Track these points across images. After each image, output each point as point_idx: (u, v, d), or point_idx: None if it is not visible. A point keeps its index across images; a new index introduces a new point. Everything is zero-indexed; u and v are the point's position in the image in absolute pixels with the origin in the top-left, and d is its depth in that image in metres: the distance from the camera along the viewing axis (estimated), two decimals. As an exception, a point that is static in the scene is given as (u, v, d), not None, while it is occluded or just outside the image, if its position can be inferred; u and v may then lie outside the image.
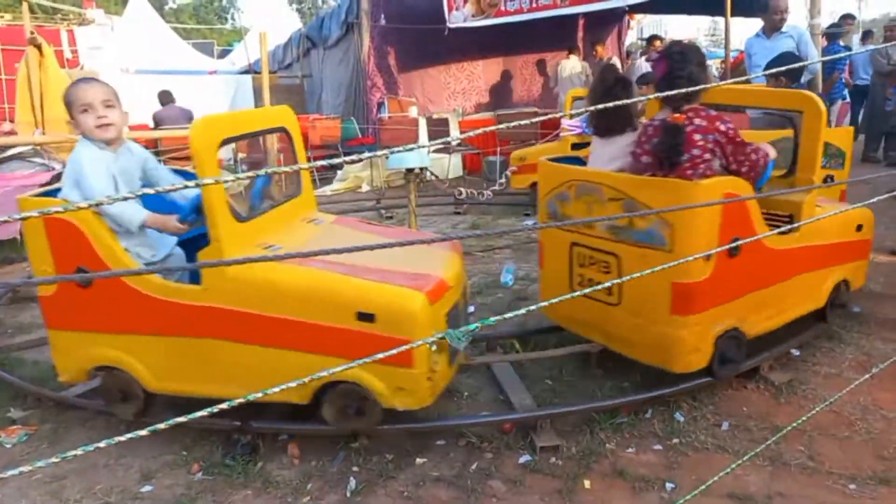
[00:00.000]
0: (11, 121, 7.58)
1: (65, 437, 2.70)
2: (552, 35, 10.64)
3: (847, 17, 9.50)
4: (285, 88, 12.38)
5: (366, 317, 2.24)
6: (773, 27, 5.58)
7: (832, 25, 8.62)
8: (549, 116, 5.20)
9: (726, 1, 6.65)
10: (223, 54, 20.14)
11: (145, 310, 2.45)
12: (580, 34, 11.40)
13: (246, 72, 13.70)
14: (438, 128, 9.24)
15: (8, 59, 15.56)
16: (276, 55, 13.57)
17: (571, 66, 9.16)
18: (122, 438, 1.33)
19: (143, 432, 1.38)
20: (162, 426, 1.35)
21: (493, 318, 1.23)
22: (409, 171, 5.36)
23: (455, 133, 9.18)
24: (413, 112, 10.22)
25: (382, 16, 10.20)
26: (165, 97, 8.93)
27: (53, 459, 0.91)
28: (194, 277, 2.50)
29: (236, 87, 12.15)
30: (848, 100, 8.84)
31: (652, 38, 9.35)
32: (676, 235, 2.42)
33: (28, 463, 2.28)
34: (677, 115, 2.54)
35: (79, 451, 1.09)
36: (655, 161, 2.64)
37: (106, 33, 17.31)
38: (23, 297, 4.63)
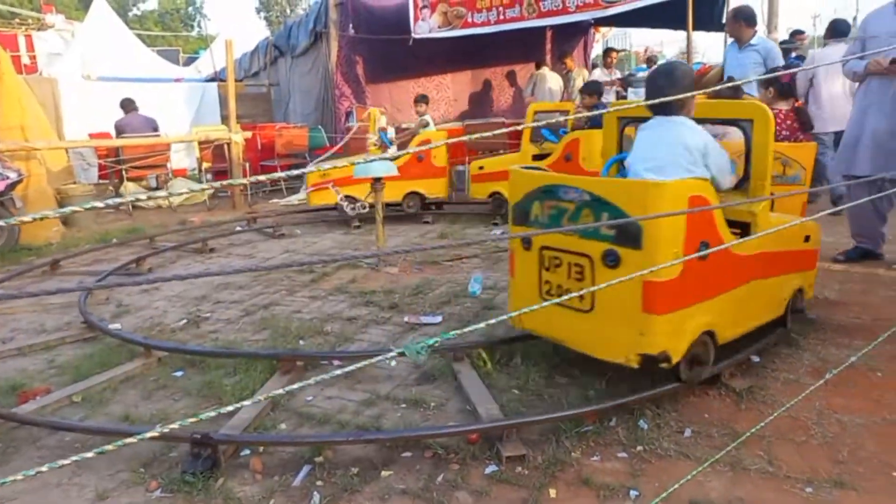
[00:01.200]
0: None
1: (14, 456, 2.60)
2: (520, 47, 10.78)
3: (798, 33, 9.83)
4: (252, 97, 12.28)
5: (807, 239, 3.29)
6: (743, 40, 5.71)
7: (783, 42, 8.90)
8: (512, 129, 5.25)
9: (688, 16, 6.86)
10: (189, 62, 19.85)
11: (731, 269, 2.79)
12: (548, 46, 11.56)
13: (212, 79, 13.54)
14: (406, 137, 9.24)
15: (-38, 65, 15.12)
16: (243, 63, 13.45)
17: (551, 77, 9.22)
18: (89, 455, 1.29)
19: (90, 454, 1.34)
20: (110, 447, 1.31)
21: (452, 332, 1.22)
22: (377, 180, 5.36)
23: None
24: (382, 121, 10.21)
25: (350, 25, 10.20)
26: (128, 105, 8.75)
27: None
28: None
29: (202, 95, 11.97)
30: None
31: (608, 51, 9.53)
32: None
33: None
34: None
35: (19, 476, 1.05)
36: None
37: (66, 39, 16.93)
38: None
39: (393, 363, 3.18)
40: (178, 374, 3.33)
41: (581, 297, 2.54)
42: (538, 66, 9.43)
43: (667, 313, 2.54)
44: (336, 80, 10.29)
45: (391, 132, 9.36)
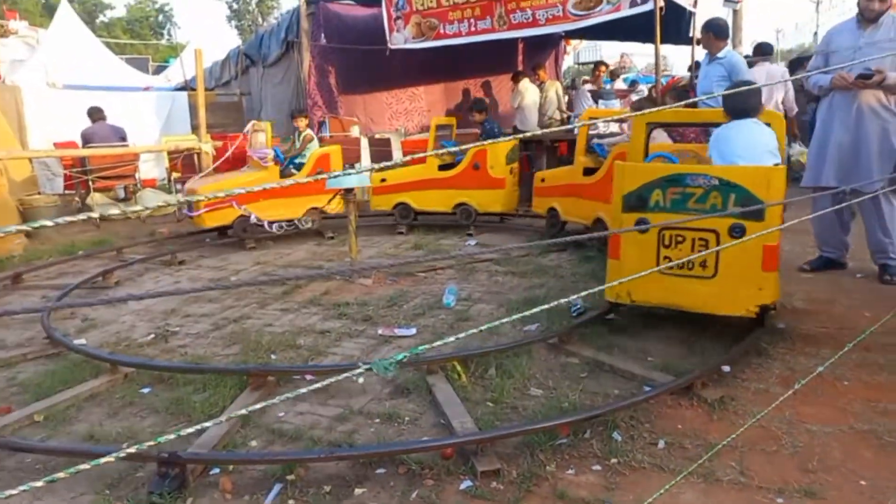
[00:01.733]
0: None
1: (-28, 479, 2.50)
2: (494, 58, 10.87)
3: (764, 47, 10.06)
4: (223, 106, 12.14)
5: None
6: (712, 52, 5.80)
7: (747, 56, 9.12)
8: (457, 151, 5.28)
9: (656, 30, 6.98)
10: (158, 70, 19.57)
11: None
12: (520, 58, 11.68)
13: (182, 88, 13.36)
14: (381, 147, 9.24)
15: (-79, 72, 14.63)
16: (214, 72, 13.30)
17: (532, 90, 9.23)
18: (38, 484, 1.24)
19: (61, 474, 1.29)
20: (73, 471, 1.26)
21: (422, 346, 1.21)
22: (349, 191, 5.33)
23: (398, 154, 9.19)
24: (355, 132, 10.18)
25: (322, 35, 10.17)
26: (95, 113, 8.57)
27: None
28: None
29: (171, 104, 11.80)
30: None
31: (598, 64, 9.62)
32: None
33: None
34: None
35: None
36: None
37: (31, 45, 16.54)
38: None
39: (361, 379, 3.13)
40: (146, 390, 3.25)
41: (704, 265, 3.30)
42: (516, 79, 9.46)
43: (776, 270, 3.29)
44: (308, 89, 10.23)
45: (364, 143, 9.32)
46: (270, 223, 6.69)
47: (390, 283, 5.08)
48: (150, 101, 12.03)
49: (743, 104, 3.60)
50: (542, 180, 6.57)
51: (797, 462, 2.42)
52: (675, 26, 8.22)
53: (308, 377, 3.31)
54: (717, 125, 3.78)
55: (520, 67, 11.47)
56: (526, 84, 9.28)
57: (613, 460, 2.47)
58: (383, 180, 7.22)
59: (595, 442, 2.60)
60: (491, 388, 3.09)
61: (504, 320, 1.94)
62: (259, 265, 6.03)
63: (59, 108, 10.54)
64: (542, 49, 11.81)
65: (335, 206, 6.79)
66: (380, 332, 4.00)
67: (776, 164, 3.43)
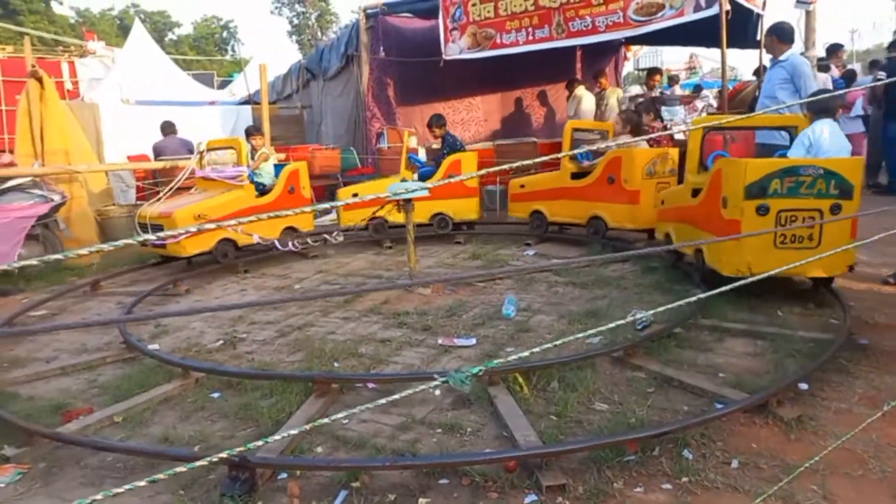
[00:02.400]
0: (11, 152, 7.61)
1: (59, 476, 2.65)
2: (550, 67, 10.79)
3: (835, 49, 9.65)
4: (285, 119, 12.49)
5: None
6: (775, 55, 5.65)
7: (820, 59, 8.75)
8: (551, 157, 5.24)
9: (722, 33, 6.80)
10: (223, 85, 20.35)
11: None
12: (578, 65, 11.57)
13: (245, 102, 13.84)
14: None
15: (9, 91, 15.72)
16: (276, 86, 13.73)
17: (588, 98, 9.18)
18: (121, 490, 1.31)
19: (142, 483, 1.35)
20: (170, 472, 1.32)
21: (496, 361, 1.21)
22: (407, 202, 5.39)
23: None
24: (413, 142, 10.29)
25: (381, 48, 10.36)
26: (167, 128, 9.00)
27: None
28: None
29: (237, 118, 12.24)
30: (863, 130, 8.75)
31: (653, 72, 9.44)
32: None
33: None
34: None
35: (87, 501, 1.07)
36: None
37: (107, 65, 17.54)
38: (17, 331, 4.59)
39: (438, 392, 3.13)
40: (216, 395, 3.37)
41: (811, 237, 4.15)
42: (571, 87, 9.38)
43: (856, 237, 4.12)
44: (367, 101, 10.43)
45: (422, 153, 9.43)
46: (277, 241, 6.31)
47: (449, 293, 5.11)
48: (215, 114, 12.52)
49: (825, 105, 4.45)
50: (522, 186, 7.11)
51: (886, 487, 2.29)
52: (741, 29, 7.99)
53: (370, 385, 3.36)
54: (772, 129, 4.80)
55: (578, 75, 11.36)
56: (581, 91, 9.20)
57: (684, 479, 2.40)
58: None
59: (664, 460, 2.53)
60: (554, 402, 3.05)
61: (579, 335, 1.93)
62: (321, 273, 6.17)
63: (131, 123, 11.11)
64: (601, 56, 11.67)
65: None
66: (440, 341, 4.02)
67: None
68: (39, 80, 6.79)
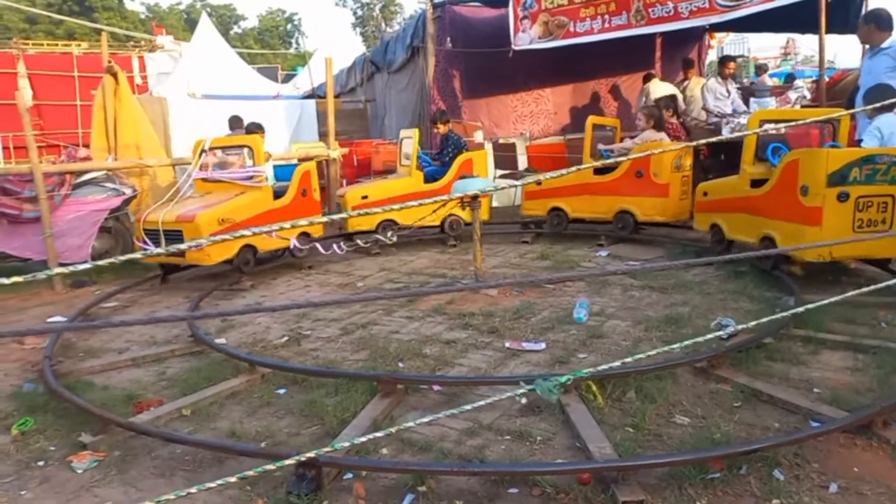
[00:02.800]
0: (87, 146, 8.10)
1: (132, 465, 2.81)
2: (627, 56, 10.58)
3: None
4: (349, 113, 12.77)
5: None
6: (873, 44, 5.37)
7: None
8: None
9: (821, 18, 6.48)
10: (287, 79, 20.97)
11: None
12: (657, 54, 11.28)
13: (310, 96, 14.22)
14: (505, 153, 9.29)
15: (84, 86, 16.76)
16: (340, 79, 14.05)
17: (661, 89, 8.97)
18: (193, 491, 1.37)
19: (212, 484, 1.41)
20: (259, 470, 1.38)
21: (585, 370, 1.20)
22: (473, 198, 5.40)
23: (522, 159, 9.20)
24: (478, 137, 10.32)
25: (448, 39, 10.42)
26: (234, 122, 9.35)
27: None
28: None
29: (301, 112, 12.57)
30: None
31: (725, 60, 9.11)
32: None
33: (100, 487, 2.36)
34: None
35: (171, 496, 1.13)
36: None
37: (175, 59, 18.40)
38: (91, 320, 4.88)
39: (524, 400, 3.11)
40: (281, 391, 3.49)
41: (885, 221, 4.56)
42: (647, 80, 9.19)
43: None
44: (432, 94, 10.52)
45: (489, 147, 9.41)
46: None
47: (516, 294, 5.09)
48: (279, 108, 12.90)
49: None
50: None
51: None
52: (841, 13, 7.59)
53: (436, 388, 3.40)
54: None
55: (657, 65, 11.08)
56: (653, 84, 9.00)
57: (775, 501, 2.31)
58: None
59: (753, 480, 2.44)
60: (630, 413, 3.00)
61: (671, 347, 1.89)
62: (384, 271, 6.27)
63: (198, 117, 11.60)
64: (682, 44, 11.33)
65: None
66: (507, 345, 4.02)
67: None
68: (114, 75, 7.19)
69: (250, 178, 6.31)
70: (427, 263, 6.56)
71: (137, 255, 1.83)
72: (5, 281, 1.52)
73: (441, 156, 7.59)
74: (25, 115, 5.99)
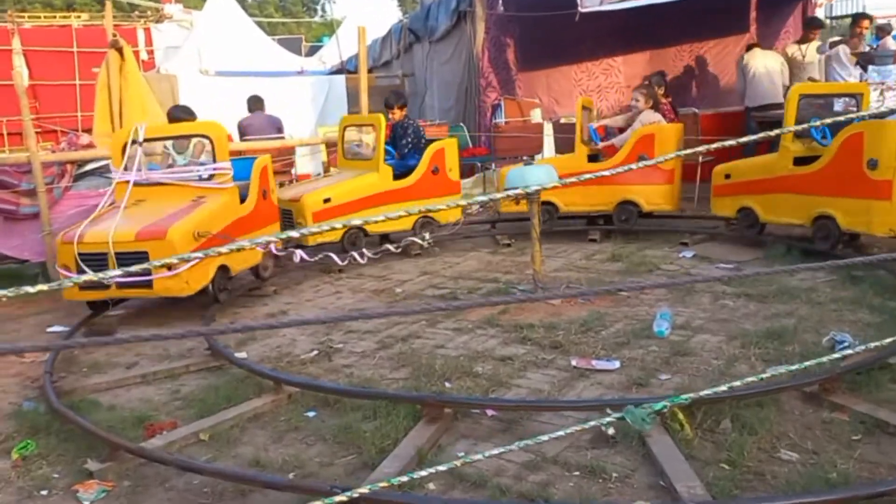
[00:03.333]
0: (88, 132, 8.38)
1: (144, 496, 2.89)
2: (715, 18, 10.40)
3: None
4: (383, 90, 12.84)
5: None
6: None
7: None
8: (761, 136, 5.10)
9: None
10: (312, 51, 21.29)
11: None
12: (752, 15, 11.05)
13: (338, 71, 14.40)
14: (567, 134, 9.23)
15: (84, 63, 17.34)
16: (373, 51, 14.18)
17: (763, 57, 8.80)
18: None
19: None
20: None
21: (686, 396, 1.18)
22: (532, 193, 5.38)
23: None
24: (536, 116, 10.29)
25: (500, 2, 10.41)
26: (253, 103, 9.53)
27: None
28: None
29: (328, 90, 12.75)
30: None
31: (859, 17, 8.82)
32: None
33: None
34: None
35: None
36: None
37: (185, 29, 18.87)
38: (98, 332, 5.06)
39: (611, 430, 3.08)
40: (311, 414, 3.54)
41: None
42: (750, 47, 9.03)
43: None
44: (481, 67, 10.52)
45: (548, 128, 9.38)
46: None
47: (583, 303, 5.05)
48: (304, 86, 13.11)
49: None
50: (727, 176, 6.68)
51: None
52: None
53: (490, 413, 3.40)
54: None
55: (752, 27, 10.85)
56: (754, 54, 8.82)
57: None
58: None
59: (879, 530, 2.37)
60: (725, 446, 2.95)
61: (775, 369, 1.85)
62: (425, 275, 6.30)
63: (211, 97, 11.87)
64: (783, 3, 11.08)
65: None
66: (573, 363, 4.00)
67: None
68: (119, 50, 7.42)
69: (210, 177, 5.71)
70: (476, 266, 6.57)
71: (57, 285, 1.84)
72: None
73: (399, 147, 7.46)
74: (23, 98, 6.23)
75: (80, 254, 5.10)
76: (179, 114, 6.68)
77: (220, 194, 5.70)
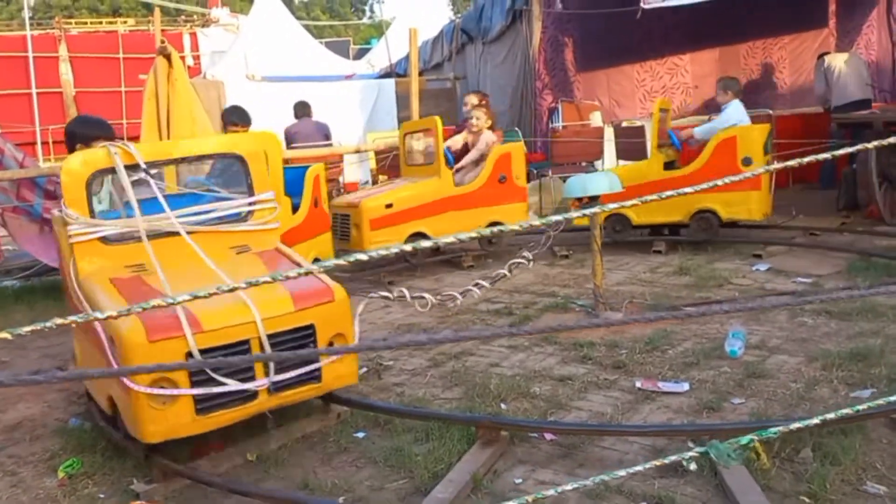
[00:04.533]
0: (133, 139, 8.62)
1: (191, 520, 2.96)
2: (790, 12, 10.19)
3: None
4: (433, 94, 12.98)
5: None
6: None
7: None
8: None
9: None
10: (360, 54, 21.59)
11: None
12: (831, 8, 10.79)
13: (387, 75, 14.56)
14: (631, 139, 9.16)
15: (130, 70, 17.96)
16: (423, 52, 14.32)
17: (843, 57, 8.65)
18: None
19: None
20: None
21: (775, 429, 1.16)
22: (593, 199, 5.35)
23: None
24: (596, 119, 10.23)
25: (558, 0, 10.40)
26: (300, 110, 9.71)
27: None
28: None
29: (377, 94, 12.92)
30: None
31: None
32: None
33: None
34: None
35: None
36: None
37: (231, 34, 19.35)
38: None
39: (693, 465, 3.03)
40: (361, 434, 3.57)
41: None
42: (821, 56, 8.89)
43: None
44: (538, 69, 10.53)
45: (609, 132, 9.30)
46: None
47: (648, 320, 4.99)
48: (353, 91, 13.32)
49: None
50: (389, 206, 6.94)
51: None
52: None
53: (549, 437, 3.38)
54: None
55: (831, 21, 10.60)
56: (834, 55, 8.66)
57: None
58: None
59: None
60: (806, 477, 2.87)
61: (866, 393, 1.80)
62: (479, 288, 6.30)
63: (258, 103, 12.14)
64: (865, -6, 10.81)
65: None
66: (638, 384, 3.95)
67: None
68: (167, 57, 7.63)
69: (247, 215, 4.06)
70: (532, 279, 6.55)
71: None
72: (20, 330, 1.52)
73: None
74: (71, 107, 6.47)
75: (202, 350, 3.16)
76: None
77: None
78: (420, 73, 13.39)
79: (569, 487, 1.83)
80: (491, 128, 7.52)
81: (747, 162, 6.59)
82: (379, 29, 24.54)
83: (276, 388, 3.33)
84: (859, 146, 1.98)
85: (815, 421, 1.60)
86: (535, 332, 3.20)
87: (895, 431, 3.19)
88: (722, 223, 6.98)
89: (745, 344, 4.33)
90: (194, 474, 3.13)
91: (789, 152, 7.01)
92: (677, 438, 3.27)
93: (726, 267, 6.33)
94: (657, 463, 1.53)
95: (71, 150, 4.01)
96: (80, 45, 18.58)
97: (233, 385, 3.15)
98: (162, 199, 3.70)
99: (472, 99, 7.91)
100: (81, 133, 4.46)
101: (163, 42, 7.55)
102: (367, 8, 46.51)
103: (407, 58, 9.90)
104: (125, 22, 22.57)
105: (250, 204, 4.04)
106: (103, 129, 4.56)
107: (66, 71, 15.98)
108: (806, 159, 1.80)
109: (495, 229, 1.95)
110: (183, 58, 16.95)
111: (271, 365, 3.28)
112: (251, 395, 3.26)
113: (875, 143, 1.91)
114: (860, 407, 2.14)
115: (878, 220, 7.12)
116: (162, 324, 3.06)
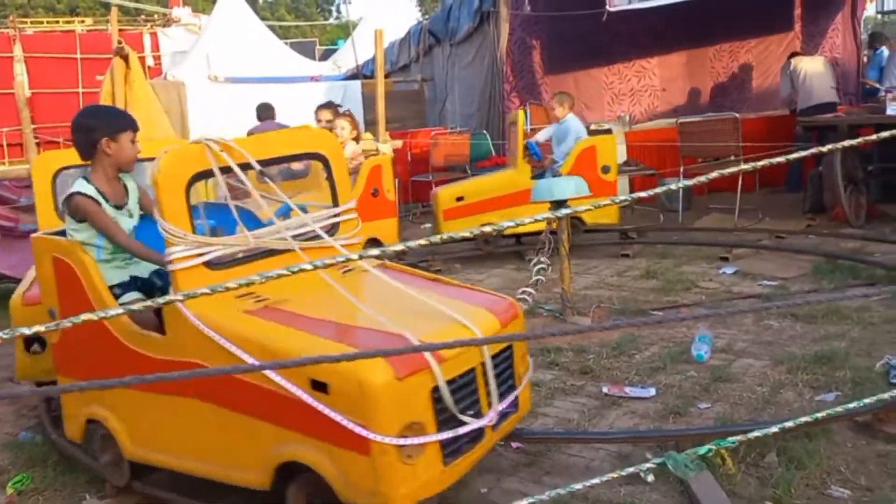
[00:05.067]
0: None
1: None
2: (756, 16, 10.35)
3: None
4: (401, 96, 12.95)
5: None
6: None
7: None
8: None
9: None
10: (326, 55, 21.48)
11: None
12: (796, 12, 10.99)
13: (354, 76, 14.50)
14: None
15: (87, 70, 17.68)
16: (390, 54, 14.28)
17: (810, 60, 8.80)
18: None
19: None
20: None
21: (732, 438, 1.16)
22: (560, 204, 5.37)
23: (622, 148, 9.07)
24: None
25: (526, 2, 10.45)
26: (263, 111, 9.62)
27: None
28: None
29: (343, 95, 12.84)
30: None
31: None
32: None
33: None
34: None
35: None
36: None
37: (193, 34, 19.15)
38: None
39: (651, 477, 3.05)
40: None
41: None
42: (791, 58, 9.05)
43: None
44: (505, 71, 10.54)
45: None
46: None
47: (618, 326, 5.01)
48: (318, 92, 13.22)
49: None
50: (460, 199, 7.33)
51: None
52: None
53: (515, 445, 3.38)
54: None
55: (796, 25, 10.80)
56: (801, 58, 8.81)
57: None
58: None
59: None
60: (771, 482, 2.91)
61: (830, 396, 1.82)
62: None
63: (220, 104, 12.03)
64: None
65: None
66: (605, 390, 3.97)
67: None
68: (125, 57, 7.53)
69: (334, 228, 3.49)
70: (499, 283, 6.56)
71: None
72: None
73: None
74: (24, 110, 6.36)
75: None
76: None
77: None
78: (387, 75, 13.35)
79: (532, 500, 1.80)
80: (356, 139, 7.07)
81: (606, 170, 7.10)
82: (345, 29, 24.44)
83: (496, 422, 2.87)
84: (814, 149, 1.99)
85: (774, 429, 1.61)
86: (500, 341, 3.10)
87: (859, 435, 3.24)
88: (586, 228, 7.41)
89: (712, 347, 4.38)
90: (149, 489, 3.08)
91: (755, 155, 7.09)
92: (643, 445, 3.29)
93: (693, 270, 6.39)
94: (614, 475, 1.52)
95: (83, 148, 3.37)
96: (36, 45, 18.25)
97: (473, 423, 2.67)
98: (269, 211, 3.21)
99: (325, 114, 7.22)
100: (104, 125, 3.41)
101: (120, 43, 7.46)
102: (333, 8, 46.37)
103: (374, 59, 9.86)
104: (83, 21, 22.25)
105: (336, 215, 3.43)
106: (128, 121, 3.54)
107: (20, 72, 15.73)
108: (770, 161, 1.80)
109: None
110: (143, 58, 16.79)
111: (494, 395, 2.82)
112: (481, 434, 2.78)
113: (838, 144, 1.92)
114: (819, 415, 2.16)
115: (843, 222, 7.24)
116: (405, 357, 2.52)
